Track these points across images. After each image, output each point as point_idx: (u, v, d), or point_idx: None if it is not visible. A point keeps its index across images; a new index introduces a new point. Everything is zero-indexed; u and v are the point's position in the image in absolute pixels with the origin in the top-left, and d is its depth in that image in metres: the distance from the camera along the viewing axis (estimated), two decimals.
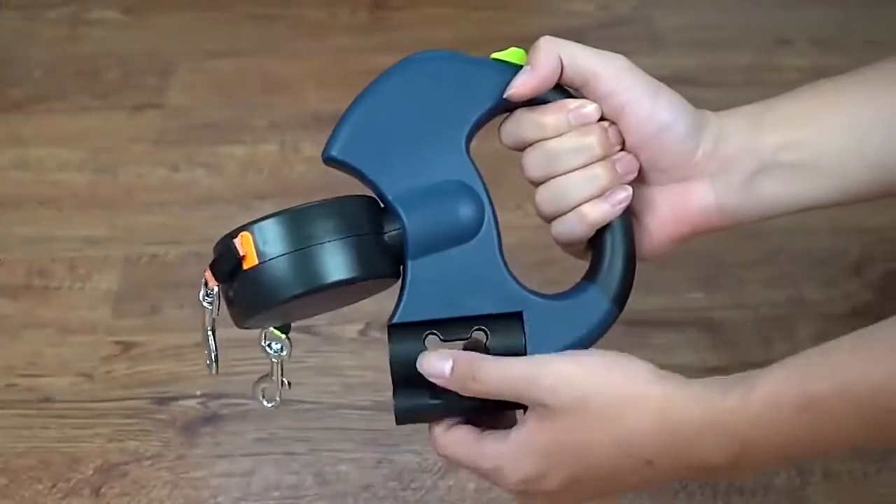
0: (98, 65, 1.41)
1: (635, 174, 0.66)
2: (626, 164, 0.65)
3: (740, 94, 1.34)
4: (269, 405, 0.71)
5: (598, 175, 0.64)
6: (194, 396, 1.01)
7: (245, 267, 0.63)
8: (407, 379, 0.64)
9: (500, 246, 0.65)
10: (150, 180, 1.25)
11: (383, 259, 0.63)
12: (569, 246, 0.67)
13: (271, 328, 0.68)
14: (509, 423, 0.65)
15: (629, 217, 0.66)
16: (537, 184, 0.66)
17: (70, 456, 0.97)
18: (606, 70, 0.65)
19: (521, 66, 0.65)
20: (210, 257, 1.14)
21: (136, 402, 1.01)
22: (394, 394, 0.65)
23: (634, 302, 1.10)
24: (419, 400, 0.65)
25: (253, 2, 1.51)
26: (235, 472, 0.95)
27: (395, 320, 0.64)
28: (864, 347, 0.58)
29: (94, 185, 1.24)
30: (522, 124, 0.65)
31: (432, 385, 0.64)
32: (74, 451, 0.97)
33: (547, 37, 0.65)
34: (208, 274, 0.65)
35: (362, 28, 1.47)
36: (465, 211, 0.65)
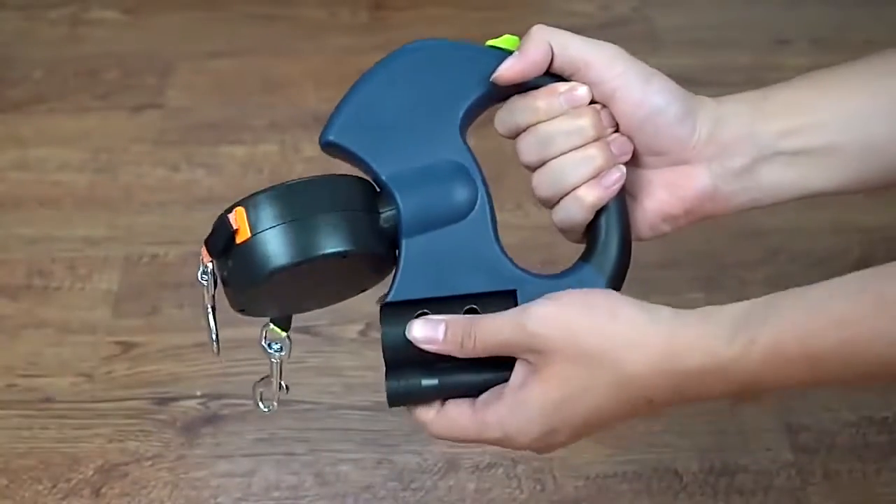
0: (98, 65, 1.41)
1: (629, 155, 0.66)
2: (620, 145, 0.65)
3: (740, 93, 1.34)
4: (266, 410, 0.71)
5: (593, 156, 0.64)
6: (194, 397, 1.01)
7: (238, 241, 0.63)
8: (400, 359, 0.64)
9: (494, 225, 0.65)
10: (150, 180, 1.25)
11: (377, 237, 0.64)
12: (569, 232, 0.67)
13: (271, 325, 0.68)
14: None
15: (623, 197, 0.66)
16: (533, 168, 0.66)
17: (70, 456, 0.97)
18: (598, 57, 0.65)
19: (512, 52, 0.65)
20: None
21: (137, 402, 1.01)
22: (386, 375, 0.65)
23: None
24: (412, 380, 0.65)
25: (253, 2, 1.51)
26: (236, 473, 0.95)
27: (389, 299, 0.64)
28: (874, 314, 0.58)
29: (94, 185, 1.24)
30: (516, 110, 0.66)
31: (425, 364, 0.64)
32: (75, 452, 0.97)
33: (539, 25, 0.66)
34: (204, 250, 0.65)
35: (362, 28, 1.47)
36: (459, 190, 0.65)
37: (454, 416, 0.65)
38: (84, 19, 1.49)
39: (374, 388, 0.99)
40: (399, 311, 0.64)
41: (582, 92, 0.65)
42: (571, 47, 0.66)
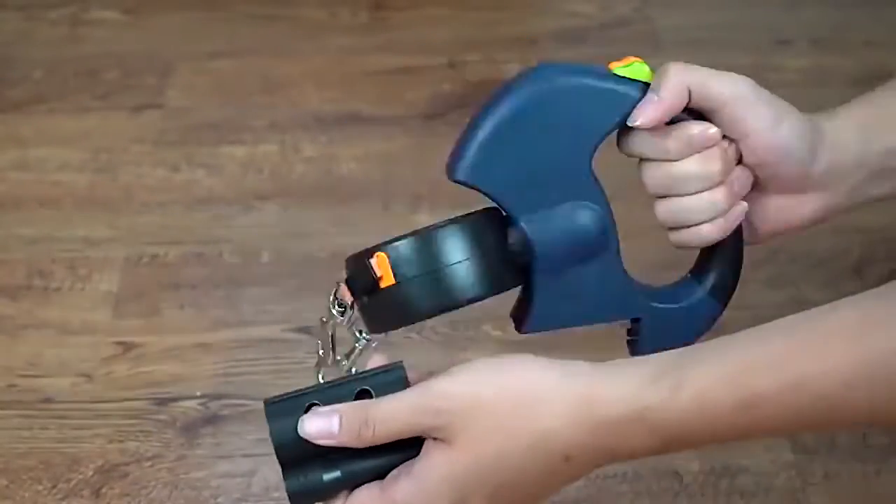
0: (98, 65, 1.41)
1: (749, 188, 0.67)
2: (742, 183, 0.67)
3: None
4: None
5: (718, 200, 0.66)
6: (194, 397, 1.01)
7: (382, 286, 0.64)
8: (295, 456, 0.62)
9: (619, 257, 0.67)
10: (150, 181, 1.25)
11: (510, 274, 0.65)
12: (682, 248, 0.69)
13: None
14: None
15: (740, 227, 0.68)
16: (656, 196, 0.68)
17: (70, 457, 0.97)
18: (733, 96, 0.66)
19: (645, 84, 0.65)
20: (211, 258, 1.14)
21: (137, 402, 1.01)
22: (283, 475, 0.63)
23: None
24: (312, 475, 0.63)
25: (253, 2, 1.51)
26: (236, 473, 0.95)
27: (525, 328, 0.66)
28: (818, 349, 0.56)
29: (94, 185, 1.24)
30: (645, 144, 0.66)
31: (323, 456, 0.62)
32: (75, 452, 0.97)
33: (676, 64, 0.66)
34: (344, 289, 0.66)
35: (362, 28, 1.47)
36: (591, 230, 0.66)
37: (363, 500, 0.62)
38: (84, 19, 1.49)
39: None
40: (285, 406, 0.63)
41: (714, 134, 0.65)
42: (710, 88, 0.66)
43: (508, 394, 0.59)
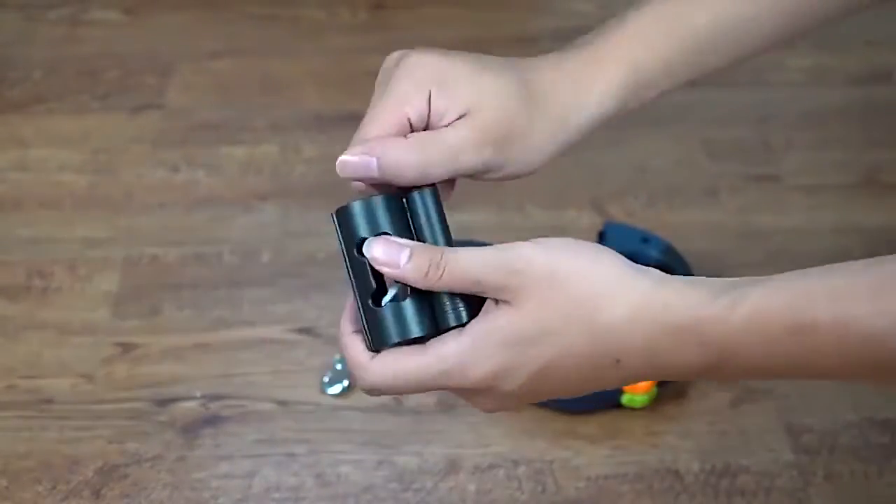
0: (98, 65, 1.41)
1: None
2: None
3: (741, 94, 1.35)
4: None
5: None
6: (195, 398, 1.01)
7: None
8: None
9: None
10: (150, 181, 1.24)
11: None
12: None
13: None
14: None
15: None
16: None
17: (70, 458, 0.96)
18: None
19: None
20: (211, 258, 1.14)
21: (137, 403, 1.01)
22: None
23: None
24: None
25: (253, 2, 1.51)
26: (236, 474, 0.95)
27: None
28: (874, 289, 0.55)
29: (94, 186, 1.24)
30: None
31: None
32: (75, 453, 0.97)
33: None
34: None
35: (362, 28, 1.47)
36: None
37: (398, 355, 0.61)
38: (84, 19, 1.49)
39: None
40: (354, 220, 0.63)
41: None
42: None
43: (581, 279, 0.59)
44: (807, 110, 1.31)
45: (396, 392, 0.62)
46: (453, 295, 0.61)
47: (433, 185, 0.64)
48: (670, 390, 0.99)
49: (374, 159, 0.63)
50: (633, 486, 0.93)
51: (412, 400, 0.99)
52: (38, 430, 0.99)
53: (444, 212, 0.64)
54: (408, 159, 0.63)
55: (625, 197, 1.20)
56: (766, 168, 1.23)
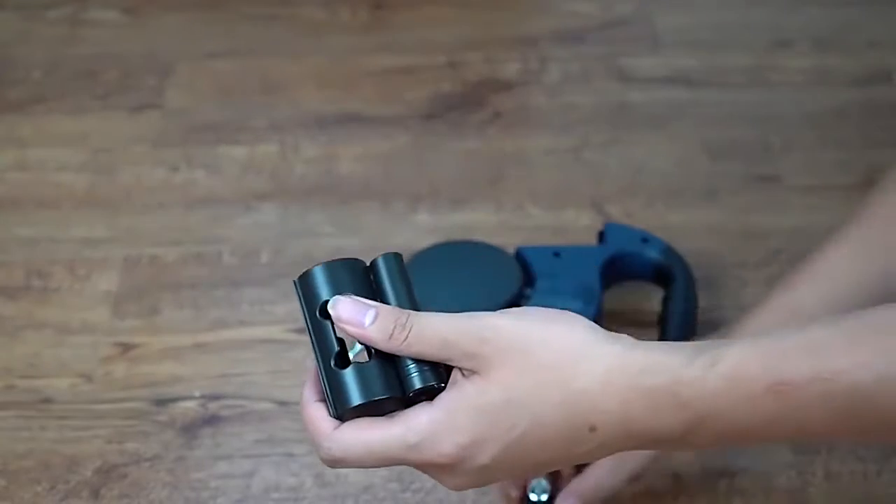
0: (97, 65, 1.41)
1: None
2: None
3: (741, 94, 1.35)
4: None
5: None
6: (194, 398, 1.01)
7: None
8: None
9: None
10: (149, 181, 1.24)
11: None
12: None
13: None
14: None
15: None
16: None
17: (69, 457, 0.96)
18: None
19: None
20: (210, 258, 1.14)
21: (136, 403, 1.01)
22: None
23: (636, 303, 1.09)
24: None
25: (253, 2, 1.51)
26: (235, 474, 0.95)
27: None
28: (854, 341, 0.54)
29: (93, 185, 1.24)
30: None
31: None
32: (74, 453, 0.97)
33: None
34: None
35: (362, 28, 1.47)
36: None
37: (363, 425, 0.59)
38: (83, 19, 1.49)
39: None
40: (316, 284, 0.62)
41: None
42: None
43: (553, 344, 0.57)
44: (807, 111, 1.31)
45: (360, 465, 0.59)
46: (419, 361, 0.59)
47: (397, 252, 0.63)
48: None
49: None
50: (633, 487, 0.92)
51: None
52: (37, 430, 0.99)
53: (410, 278, 0.62)
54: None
55: (624, 197, 1.20)
56: (766, 168, 1.23)
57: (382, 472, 0.94)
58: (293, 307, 1.08)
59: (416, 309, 0.61)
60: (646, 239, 1.04)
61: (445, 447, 0.57)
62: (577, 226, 1.16)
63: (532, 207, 1.18)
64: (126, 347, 1.06)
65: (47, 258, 1.15)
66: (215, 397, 1.01)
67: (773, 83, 1.35)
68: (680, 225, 1.16)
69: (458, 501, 0.92)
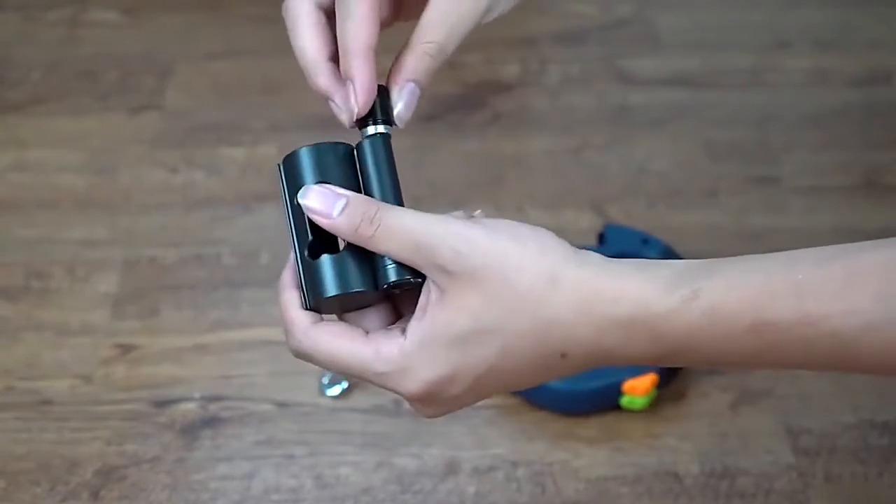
0: (97, 66, 1.41)
1: None
2: None
3: (741, 95, 1.35)
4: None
5: None
6: (193, 399, 1.01)
7: None
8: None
9: None
10: (149, 182, 1.24)
11: None
12: None
13: None
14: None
15: None
16: None
17: (69, 459, 0.96)
18: None
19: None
20: (209, 259, 1.14)
21: (135, 404, 1.01)
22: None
23: None
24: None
25: (253, 2, 1.51)
26: (235, 476, 0.95)
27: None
28: (846, 285, 0.52)
29: (92, 186, 1.24)
30: None
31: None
32: (73, 454, 0.97)
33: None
34: None
35: None
36: None
37: (337, 331, 0.58)
38: (83, 20, 1.49)
39: (374, 390, 0.99)
40: (300, 167, 0.62)
41: None
42: None
43: (527, 270, 0.55)
44: (807, 112, 1.31)
45: (325, 368, 0.60)
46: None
47: (385, 133, 0.61)
48: (670, 392, 0.99)
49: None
50: (633, 488, 0.92)
51: None
52: (37, 432, 0.99)
53: (395, 165, 0.60)
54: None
55: (624, 198, 1.20)
56: (766, 169, 1.23)
57: (382, 473, 0.94)
58: None
59: (399, 197, 0.59)
60: (646, 240, 1.04)
61: (413, 385, 0.57)
62: (577, 227, 1.16)
63: (532, 208, 1.18)
64: (126, 349, 1.05)
65: (47, 259, 1.15)
66: (215, 399, 1.01)
67: (773, 83, 1.35)
68: (680, 226, 1.16)
69: (457, 502, 0.92)
